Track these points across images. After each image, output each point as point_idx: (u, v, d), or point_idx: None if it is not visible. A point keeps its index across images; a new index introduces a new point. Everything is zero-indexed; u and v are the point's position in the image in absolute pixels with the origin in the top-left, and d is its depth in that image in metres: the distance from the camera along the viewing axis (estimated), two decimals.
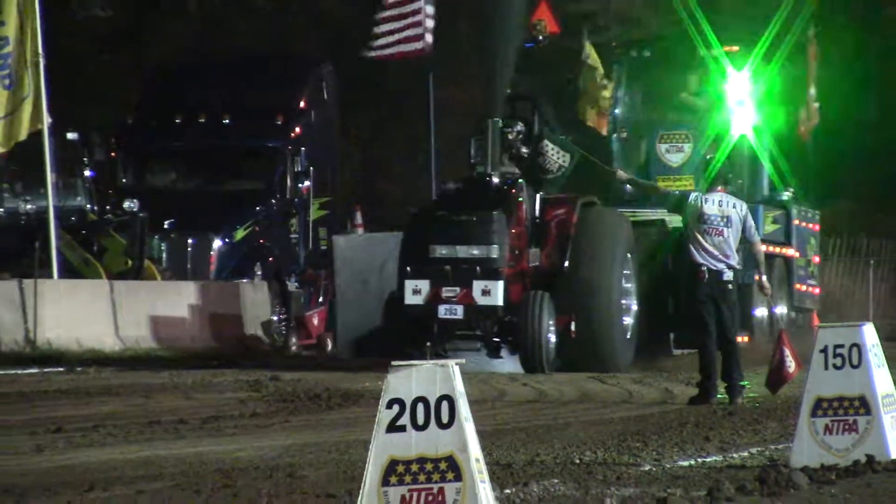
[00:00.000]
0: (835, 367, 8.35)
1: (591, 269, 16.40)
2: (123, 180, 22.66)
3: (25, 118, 20.81)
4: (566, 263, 16.34)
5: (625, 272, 16.87)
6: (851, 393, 8.35)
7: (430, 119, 20.11)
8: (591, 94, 20.07)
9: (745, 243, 13.40)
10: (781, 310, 19.52)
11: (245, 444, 10.20)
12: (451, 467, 6.00)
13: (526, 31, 18.67)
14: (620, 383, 15.27)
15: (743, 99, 19.23)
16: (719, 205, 13.03)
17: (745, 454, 9.65)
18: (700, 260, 12.97)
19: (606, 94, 19.93)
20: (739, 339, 15.16)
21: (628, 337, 16.92)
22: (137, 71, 28.05)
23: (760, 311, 19.09)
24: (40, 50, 20.22)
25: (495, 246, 15.85)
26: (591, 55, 20.09)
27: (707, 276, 12.93)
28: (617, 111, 19.98)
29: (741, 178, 18.64)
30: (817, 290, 21.06)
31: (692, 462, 9.23)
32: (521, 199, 16.37)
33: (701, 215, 13.01)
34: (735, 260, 13.10)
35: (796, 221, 19.89)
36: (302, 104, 23.20)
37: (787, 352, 12.65)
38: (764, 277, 13.70)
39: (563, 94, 20.18)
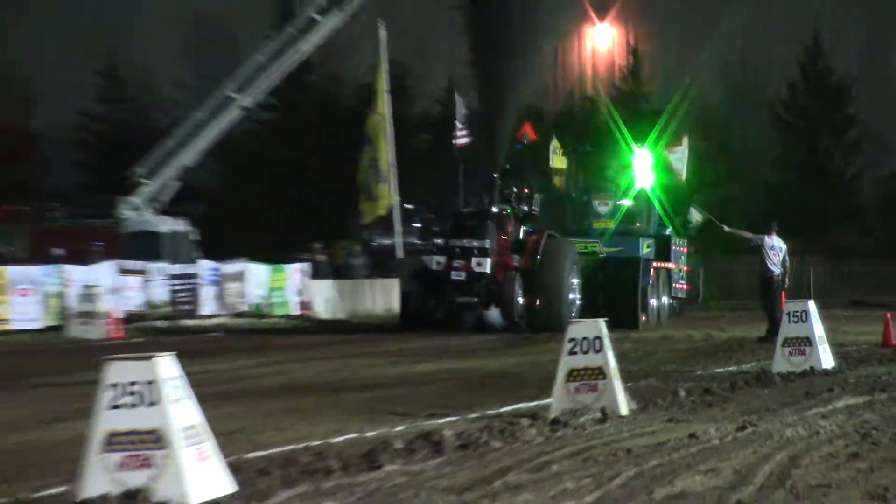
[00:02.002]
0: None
1: (551, 271, 27.21)
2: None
3: (385, 198, 36.29)
4: (535, 267, 27.15)
5: (573, 277, 27.53)
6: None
7: (459, 182, 29.81)
8: (558, 172, 31.94)
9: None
10: (665, 299, 31.35)
11: None
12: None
13: (515, 138, 29.71)
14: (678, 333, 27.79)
15: (643, 170, 30.82)
16: (775, 240, 24.19)
17: (749, 366, 18.43)
18: (774, 269, 24.11)
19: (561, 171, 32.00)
20: (642, 318, 28.70)
21: (573, 314, 26.44)
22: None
23: (653, 301, 30.15)
24: (392, 158, 36.00)
25: (487, 240, 26.81)
26: (557, 152, 31.90)
27: (776, 278, 24.09)
28: (569, 181, 31.89)
29: (639, 222, 31.03)
30: (686, 286, 33.04)
31: (722, 370, 18.16)
32: (509, 220, 27.76)
33: (772, 246, 24.14)
34: (780, 270, 24.12)
35: (674, 247, 31.51)
36: None
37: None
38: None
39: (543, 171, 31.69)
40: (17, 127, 58.20)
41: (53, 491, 8.80)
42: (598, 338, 12.29)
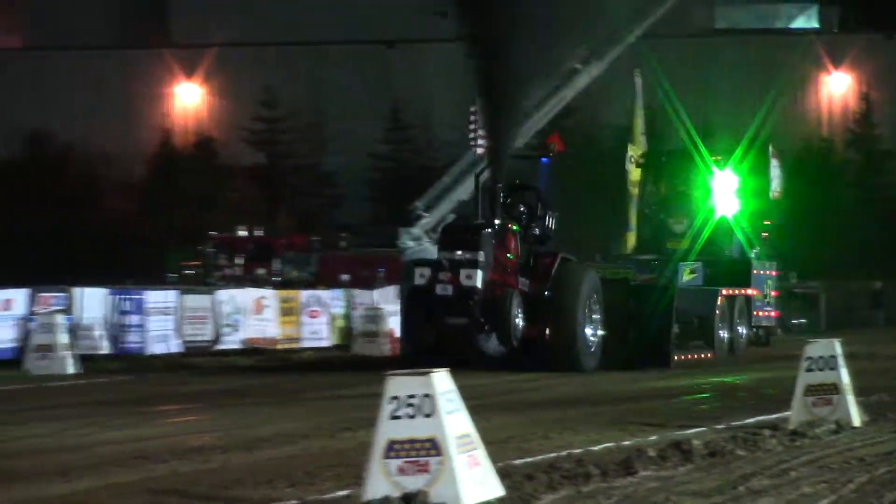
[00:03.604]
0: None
1: (563, 298, 22.83)
2: None
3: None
4: (546, 292, 22.85)
5: (593, 308, 23.14)
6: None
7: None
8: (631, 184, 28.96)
9: None
10: (743, 329, 26.94)
11: None
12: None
13: (542, 148, 26.89)
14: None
15: (724, 190, 27.68)
16: None
17: None
18: None
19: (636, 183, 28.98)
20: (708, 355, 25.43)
21: (592, 350, 23.01)
22: None
23: (723, 331, 26.04)
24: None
25: (480, 252, 22.05)
26: (632, 161, 28.96)
27: None
28: (645, 195, 28.78)
29: (725, 246, 27.73)
30: (773, 314, 28.65)
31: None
32: (513, 237, 23.00)
33: None
34: None
35: (755, 271, 27.49)
36: None
37: None
38: None
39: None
40: (313, 164, 65.79)
41: (339, 494, 9.58)
42: (833, 356, 13.19)
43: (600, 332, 23.17)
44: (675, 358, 24.18)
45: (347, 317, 31.84)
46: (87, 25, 68.07)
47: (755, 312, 27.35)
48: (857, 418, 13.21)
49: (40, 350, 23.12)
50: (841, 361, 13.19)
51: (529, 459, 11.09)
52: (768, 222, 29.04)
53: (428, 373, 8.56)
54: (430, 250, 34.42)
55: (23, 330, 24.72)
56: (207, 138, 66.85)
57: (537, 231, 23.74)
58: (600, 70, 39.84)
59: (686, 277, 26.28)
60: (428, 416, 8.53)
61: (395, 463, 8.57)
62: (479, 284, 21.86)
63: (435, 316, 21.93)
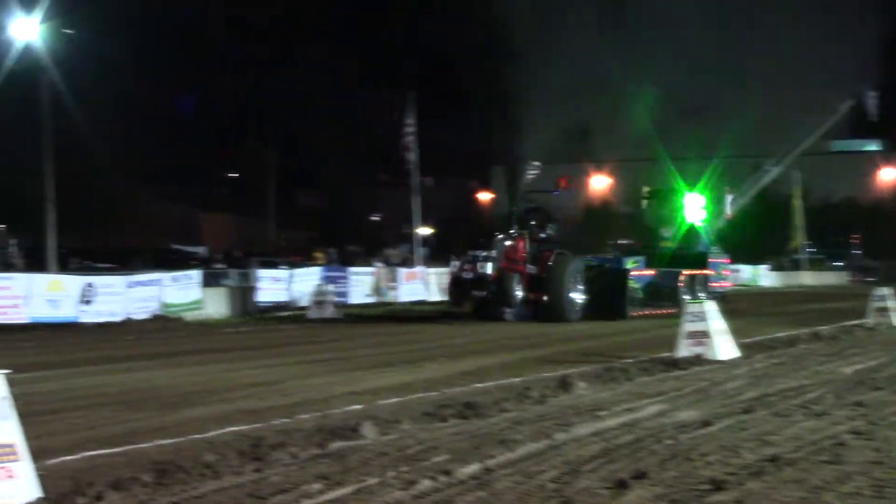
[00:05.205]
0: None
1: (555, 276, 34.55)
2: None
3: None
4: (546, 273, 34.62)
5: (578, 283, 35.07)
6: None
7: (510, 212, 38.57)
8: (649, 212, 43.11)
9: None
10: (702, 294, 36.81)
11: None
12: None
13: (555, 184, 39.34)
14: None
15: (693, 209, 41.36)
16: None
17: None
18: None
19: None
20: (671, 310, 34.68)
21: (577, 309, 34.71)
22: None
23: (686, 296, 35.98)
24: None
25: (493, 251, 34.44)
26: (645, 195, 43.48)
27: None
28: (647, 217, 42.95)
29: (692, 243, 40.99)
30: (726, 284, 42.12)
31: None
32: (522, 240, 35.25)
33: None
34: None
35: (711, 259, 40.56)
36: None
37: None
38: None
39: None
40: None
41: (660, 355, 19.38)
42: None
43: (581, 298, 35.03)
44: (634, 314, 35.46)
45: None
46: None
47: (710, 284, 39.99)
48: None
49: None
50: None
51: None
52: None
53: None
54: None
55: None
56: None
57: (543, 236, 36.05)
58: (779, 172, 51.08)
59: (631, 265, 37.83)
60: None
61: (690, 341, 19.25)
62: (489, 271, 34.03)
63: (463, 290, 34.47)
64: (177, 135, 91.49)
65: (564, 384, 15.42)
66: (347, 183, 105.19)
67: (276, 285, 40.05)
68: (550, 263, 34.65)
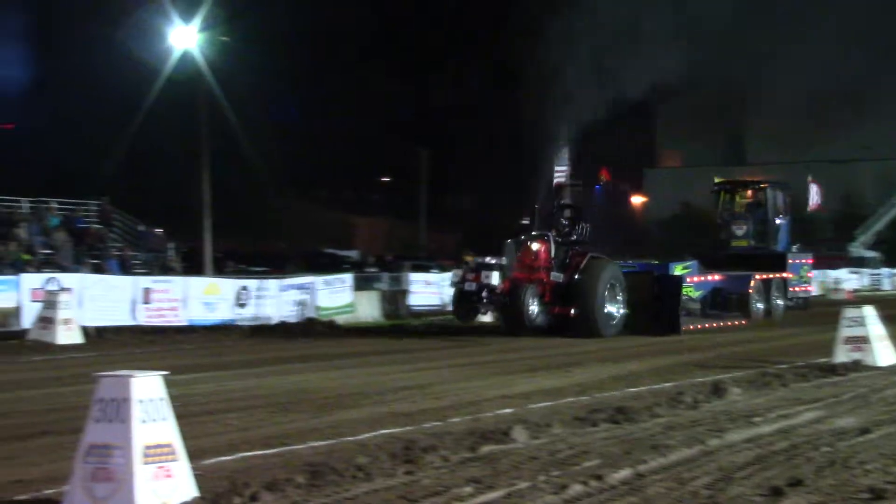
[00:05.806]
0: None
1: (586, 284, 28.77)
2: None
3: None
4: (575, 280, 28.88)
5: (615, 291, 29.13)
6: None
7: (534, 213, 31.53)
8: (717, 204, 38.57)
9: None
10: (780, 301, 35.13)
11: None
12: None
13: (596, 178, 35.17)
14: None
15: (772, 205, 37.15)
16: None
17: None
18: None
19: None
20: (740, 321, 32.40)
21: (613, 322, 29.04)
22: None
23: (759, 304, 34.16)
24: None
25: (503, 258, 28.80)
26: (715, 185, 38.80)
27: None
28: (718, 209, 38.10)
29: (772, 244, 36.91)
30: (809, 288, 37.89)
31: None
32: (545, 241, 29.38)
33: None
34: None
35: (790, 260, 36.29)
36: None
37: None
38: None
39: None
40: None
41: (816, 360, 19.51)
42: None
43: (623, 311, 29.26)
44: (689, 328, 29.90)
45: None
46: None
47: (791, 289, 35.94)
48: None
49: None
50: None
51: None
52: None
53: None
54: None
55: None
56: None
57: (574, 237, 30.17)
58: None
59: (679, 270, 32.04)
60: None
61: (847, 346, 19.06)
62: (494, 282, 28.46)
63: (468, 303, 28.85)
64: (327, 139, 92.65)
65: (717, 389, 15.22)
66: (497, 185, 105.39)
67: (427, 289, 40.33)
68: (580, 270, 28.90)
